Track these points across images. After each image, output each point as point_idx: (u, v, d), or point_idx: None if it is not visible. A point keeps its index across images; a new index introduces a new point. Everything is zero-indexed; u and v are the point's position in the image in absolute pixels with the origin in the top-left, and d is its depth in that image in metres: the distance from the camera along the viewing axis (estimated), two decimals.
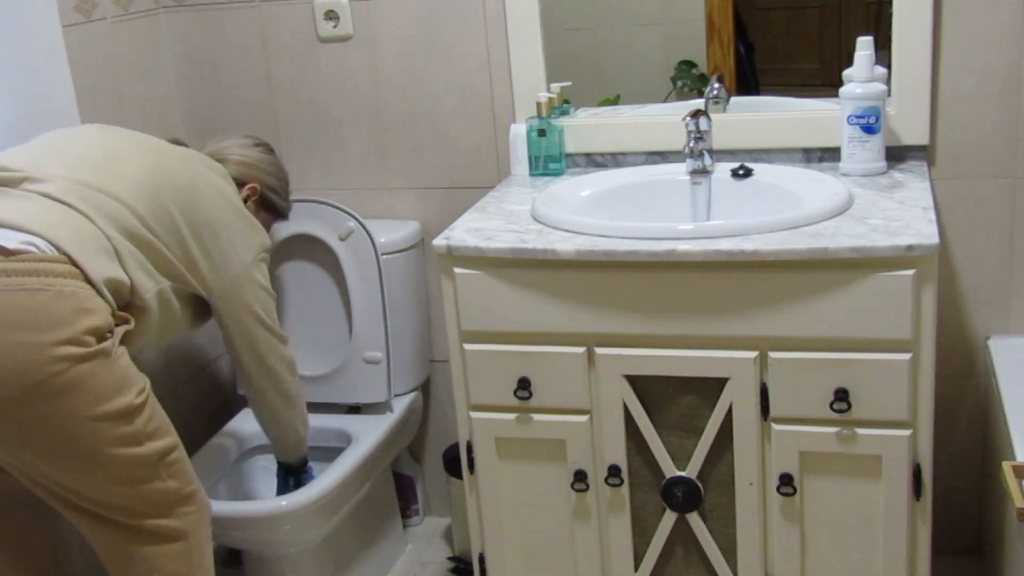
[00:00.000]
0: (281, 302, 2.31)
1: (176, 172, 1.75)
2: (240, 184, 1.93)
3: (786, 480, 1.71)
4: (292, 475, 2.08)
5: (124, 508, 1.56)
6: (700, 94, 2.17)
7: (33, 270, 1.46)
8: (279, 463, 2.09)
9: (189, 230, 1.72)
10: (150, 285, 1.65)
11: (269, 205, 2.01)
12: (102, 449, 1.51)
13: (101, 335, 1.50)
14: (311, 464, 2.11)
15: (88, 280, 1.51)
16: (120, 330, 1.56)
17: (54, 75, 1.98)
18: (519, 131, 2.16)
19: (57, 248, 1.50)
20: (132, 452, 1.53)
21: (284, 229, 2.21)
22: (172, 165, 1.76)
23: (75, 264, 1.50)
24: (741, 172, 1.95)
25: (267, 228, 2.00)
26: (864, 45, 1.89)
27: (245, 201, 1.93)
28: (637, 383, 1.75)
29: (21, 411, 1.46)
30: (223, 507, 1.99)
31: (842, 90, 1.92)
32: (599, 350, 1.75)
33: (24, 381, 1.44)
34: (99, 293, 1.53)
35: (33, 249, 1.48)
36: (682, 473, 1.78)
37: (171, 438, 1.61)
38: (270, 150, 2.04)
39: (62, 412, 1.47)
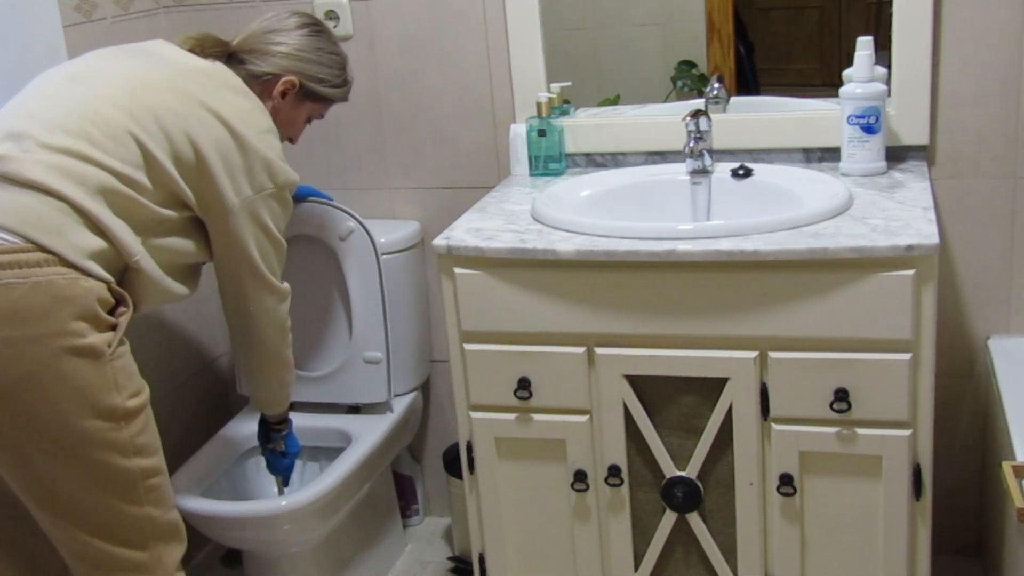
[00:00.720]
0: None
1: (161, 109, 1.62)
2: (276, 78, 1.81)
3: (786, 480, 1.71)
4: (265, 428, 2.05)
5: (100, 526, 1.53)
6: (700, 94, 2.17)
7: (6, 263, 1.43)
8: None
9: (175, 168, 1.62)
10: (136, 245, 1.57)
11: (313, 95, 1.86)
12: (87, 451, 1.49)
13: (93, 316, 1.47)
14: (294, 431, 2.09)
15: (68, 262, 1.47)
16: (123, 321, 1.52)
17: None
18: (519, 131, 2.16)
19: (24, 237, 1.45)
20: (116, 463, 1.51)
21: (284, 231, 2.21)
22: (158, 103, 1.62)
23: (47, 250, 1.46)
24: (741, 172, 1.95)
25: (319, 116, 1.93)
26: (864, 45, 1.89)
27: (283, 95, 1.82)
28: (637, 383, 1.75)
29: (12, 404, 1.45)
30: (223, 507, 1.99)
31: (842, 90, 1.92)
32: (599, 350, 1.75)
33: (11, 375, 1.43)
34: (86, 272, 1.48)
35: (2, 242, 1.45)
36: (682, 473, 1.77)
37: (157, 459, 1.58)
38: (318, 30, 1.88)
39: (50, 406, 1.46)
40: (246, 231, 1.72)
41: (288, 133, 1.89)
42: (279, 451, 2.07)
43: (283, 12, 1.88)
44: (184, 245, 1.70)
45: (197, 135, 1.64)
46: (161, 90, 1.66)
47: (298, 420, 2.13)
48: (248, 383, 1.95)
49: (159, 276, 1.63)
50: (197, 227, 1.72)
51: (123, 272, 1.58)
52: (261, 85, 1.80)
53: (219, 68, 1.77)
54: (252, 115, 1.73)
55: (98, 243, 1.52)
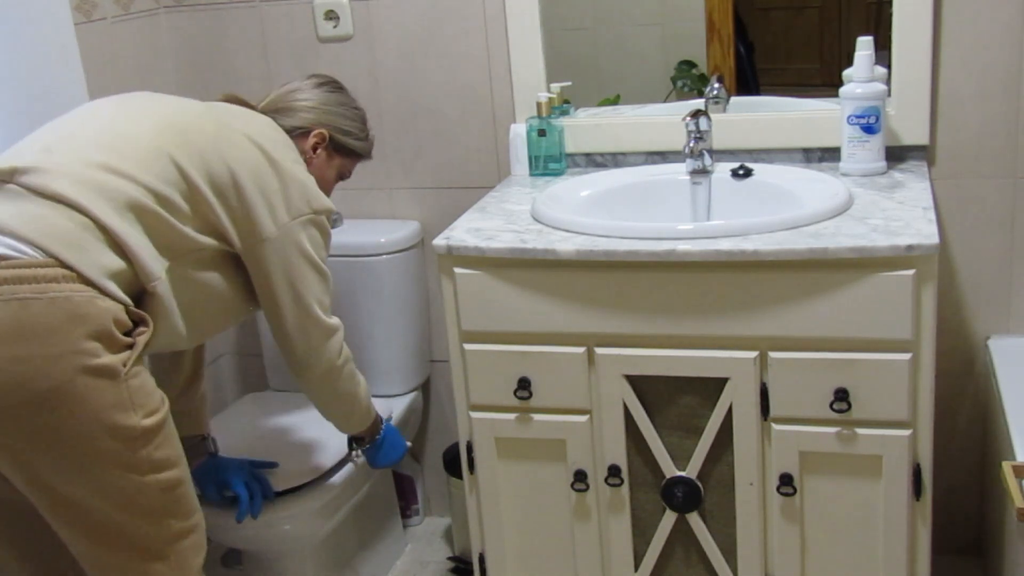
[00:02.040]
0: None
1: (193, 131, 1.62)
2: (306, 132, 1.83)
3: (786, 480, 1.71)
4: (355, 444, 2.03)
5: (117, 538, 1.51)
6: (700, 94, 2.17)
7: (24, 277, 1.40)
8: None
9: (211, 190, 1.59)
10: (158, 270, 1.53)
11: (343, 148, 1.88)
12: (102, 470, 1.46)
13: (108, 337, 1.44)
14: (390, 445, 2.04)
15: (86, 279, 1.44)
16: (141, 340, 1.49)
17: (66, 72, 1.98)
18: (519, 131, 2.16)
19: (44, 251, 1.43)
20: (133, 481, 1.48)
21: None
22: (190, 124, 1.63)
23: (67, 266, 1.43)
24: (741, 172, 1.95)
25: (347, 173, 1.93)
26: (864, 45, 1.89)
27: (314, 149, 1.83)
28: (637, 383, 1.75)
29: (25, 422, 1.43)
30: (222, 507, 1.99)
31: (842, 90, 1.92)
32: (599, 350, 1.75)
33: (24, 393, 1.40)
34: (104, 291, 1.45)
35: (20, 255, 1.42)
36: (682, 473, 1.77)
37: (176, 471, 1.54)
38: (338, 87, 1.92)
39: (65, 423, 1.42)
40: (286, 260, 1.68)
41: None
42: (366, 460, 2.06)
43: (300, 77, 1.92)
44: (217, 281, 1.66)
45: (233, 159, 1.62)
46: (197, 116, 1.66)
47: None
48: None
49: (172, 308, 1.58)
50: (235, 267, 1.69)
51: (140, 299, 1.54)
52: (293, 140, 1.81)
53: (239, 108, 1.79)
54: (284, 144, 1.74)
55: (118, 263, 1.48)
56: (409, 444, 2.13)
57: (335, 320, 1.79)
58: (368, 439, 2.00)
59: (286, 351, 1.77)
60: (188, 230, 1.58)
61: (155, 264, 1.53)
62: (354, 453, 2.06)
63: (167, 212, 1.55)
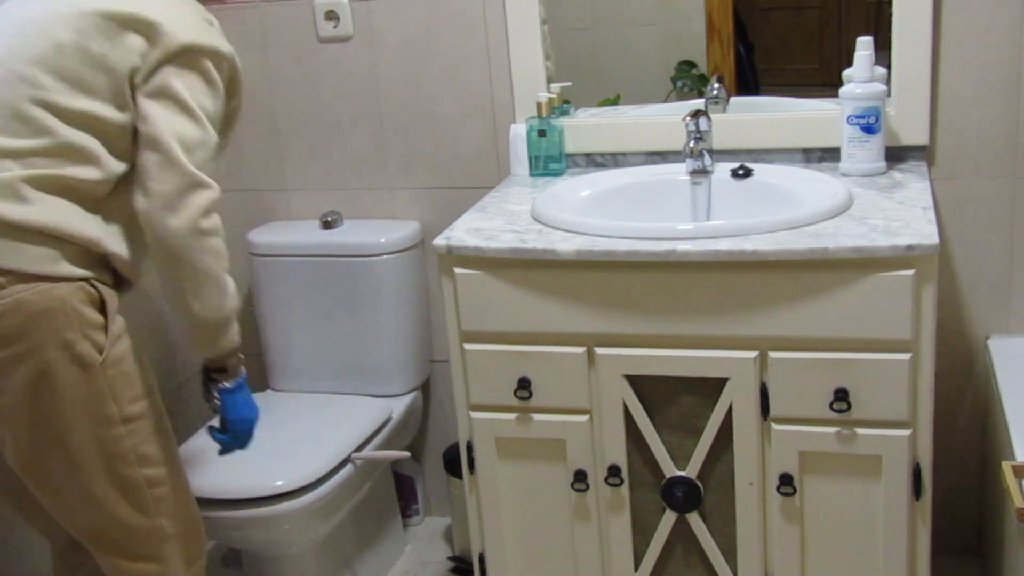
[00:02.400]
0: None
1: (45, 53, 1.46)
2: None
3: (786, 480, 1.71)
4: (207, 375, 1.69)
5: (110, 540, 1.52)
6: (700, 94, 2.17)
7: None
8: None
9: (83, 95, 1.45)
10: (94, 231, 1.45)
11: None
12: (88, 464, 1.46)
13: (77, 321, 1.41)
14: (245, 394, 1.71)
15: (29, 276, 1.39)
16: (117, 319, 1.46)
17: None
18: (519, 131, 2.16)
19: None
20: (119, 473, 1.48)
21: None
22: (39, 50, 1.46)
23: (3, 271, 1.39)
24: (741, 172, 1.95)
25: None
26: (864, 45, 1.89)
27: None
28: (637, 383, 1.75)
29: (9, 427, 1.43)
30: (222, 507, 1.99)
31: (842, 90, 1.92)
32: (599, 350, 1.75)
33: (7, 395, 1.41)
34: (53, 278, 1.40)
35: None
36: (682, 473, 1.78)
37: (164, 469, 1.54)
38: None
39: (47, 423, 1.43)
40: (156, 102, 1.49)
41: None
42: (217, 411, 1.70)
43: None
44: None
45: (94, 54, 1.47)
46: (42, 33, 1.48)
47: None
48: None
49: (132, 250, 1.51)
50: None
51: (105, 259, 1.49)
52: None
53: None
54: None
55: (51, 247, 1.42)
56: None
57: (210, 181, 1.53)
58: (229, 375, 1.67)
59: (141, 202, 1.50)
60: (99, 170, 1.47)
61: (87, 225, 1.45)
62: (213, 392, 1.68)
63: (68, 163, 1.44)
